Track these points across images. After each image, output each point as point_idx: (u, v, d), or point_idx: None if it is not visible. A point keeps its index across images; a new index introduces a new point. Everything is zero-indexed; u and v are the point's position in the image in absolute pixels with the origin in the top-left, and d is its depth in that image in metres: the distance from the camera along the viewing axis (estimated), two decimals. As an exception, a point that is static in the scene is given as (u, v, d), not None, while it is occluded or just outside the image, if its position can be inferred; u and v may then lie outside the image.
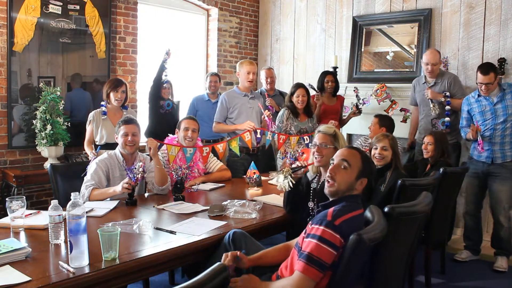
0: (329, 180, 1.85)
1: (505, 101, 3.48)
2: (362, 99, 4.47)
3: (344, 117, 4.58)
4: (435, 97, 3.85)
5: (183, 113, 4.57)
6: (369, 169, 1.90)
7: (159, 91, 4.17)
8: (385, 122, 3.89)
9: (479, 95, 3.57)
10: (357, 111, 4.43)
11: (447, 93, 3.84)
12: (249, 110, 3.89)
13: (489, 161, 3.56)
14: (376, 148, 2.96)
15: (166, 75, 4.16)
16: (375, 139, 3.03)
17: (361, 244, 1.57)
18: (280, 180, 2.36)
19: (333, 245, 1.63)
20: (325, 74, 4.51)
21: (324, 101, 4.39)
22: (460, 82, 3.99)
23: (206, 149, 3.33)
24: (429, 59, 3.87)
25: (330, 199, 1.87)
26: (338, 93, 4.56)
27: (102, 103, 3.64)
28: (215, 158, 3.48)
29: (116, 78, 3.93)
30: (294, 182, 2.38)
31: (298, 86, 3.93)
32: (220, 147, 3.40)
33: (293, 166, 2.51)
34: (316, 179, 2.49)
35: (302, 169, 2.49)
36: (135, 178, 2.61)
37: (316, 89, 4.37)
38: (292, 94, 3.92)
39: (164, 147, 3.14)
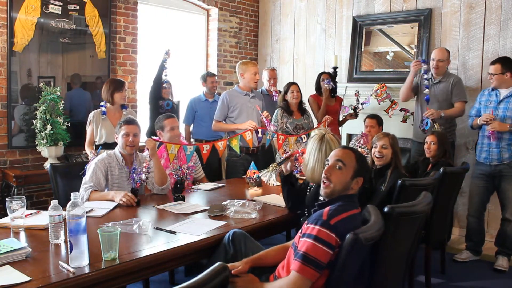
0: (324, 181, 1.86)
1: (509, 102, 3.44)
2: (361, 104, 4.48)
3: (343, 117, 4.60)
4: (435, 116, 3.70)
5: (182, 113, 4.57)
6: (364, 168, 1.89)
7: (160, 91, 4.17)
8: (381, 121, 4.04)
9: (493, 89, 3.57)
10: (354, 114, 4.47)
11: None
12: (250, 109, 3.89)
13: (487, 162, 3.56)
14: (376, 147, 2.96)
15: (166, 75, 4.17)
16: (375, 137, 3.03)
17: (357, 243, 1.57)
18: (266, 178, 2.49)
19: (329, 244, 1.63)
20: (321, 74, 4.55)
21: (323, 101, 4.41)
22: (463, 86, 3.96)
23: (206, 147, 3.31)
24: (436, 55, 3.88)
25: (326, 199, 1.87)
26: (337, 94, 4.58)
27: (102, 103, 3.64)
28: (200, 166, 3.47)
29: (117, 78, 3.93)
30: (280, 174, 2.49)
31: (291, 83, 4.10)
32: (220, 144, 3.38)
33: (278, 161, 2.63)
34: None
35: (285, 160, 2.54)
36: (140, 180, 2.65)
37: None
38: (285, 92, 4.04)
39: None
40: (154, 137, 3.27)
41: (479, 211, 3.68)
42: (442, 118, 3.77)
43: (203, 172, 3.51)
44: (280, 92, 4.18)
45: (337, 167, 1.85)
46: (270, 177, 2.47)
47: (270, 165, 2.61)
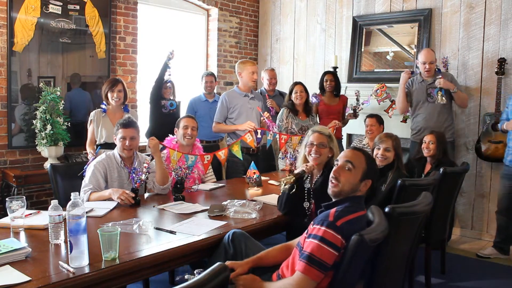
0: (333, 181, 1.84)
1: None
2: (362, 103, 4.49)
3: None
4: (447, 86, 3.80)
5: (182, 113, 4.56)
6: (373, 171, 1.88)
7: (161, 91, 4.17)
8: (381, 119, 4.02)
9: None
10: (353, 114, 4.48)
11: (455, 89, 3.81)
12: (249, 110, 3.89)
13: (511, 164, 3.58)
14: (379, 149, 2.95)
15: (169, 75, 4.16)
16: (377, 139, 3.02)
17: (362, 244, 1.57)
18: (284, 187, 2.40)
19: (334, 245, 1.63)
20: (324, 73, 4.55)
21: (325, 101, 4.43)
22: (457, 82, 4.00)
23: (207, 157, 3.28)
24: (426, 58, 3.89)
25: (333, 200, 1.86)
26: (341, 93, 4.59)
27: (104, 102, 3.64)
28: (212, 170, 3.47)
29: (113, 78, 3.94)
30: (295, 187, 2.39)
31: (296, 83, 4.06)
32: (221, 153, 3.36)
33: (296, 172, 2.47)
34: (309, 179, 2.48)
35: (305, 174, 2.46)
36: (140, 180, 2.65)
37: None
38: (290, 92, 4.02)
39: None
40: (171, 136, 3.31)
41: (507, 209, 3.69)
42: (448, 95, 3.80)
43: (214, 177, 3.52)
44: (268, 112, 3.99)
45: (346, 168, 1.84)
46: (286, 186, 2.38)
47: (286, 178, 2.45)
